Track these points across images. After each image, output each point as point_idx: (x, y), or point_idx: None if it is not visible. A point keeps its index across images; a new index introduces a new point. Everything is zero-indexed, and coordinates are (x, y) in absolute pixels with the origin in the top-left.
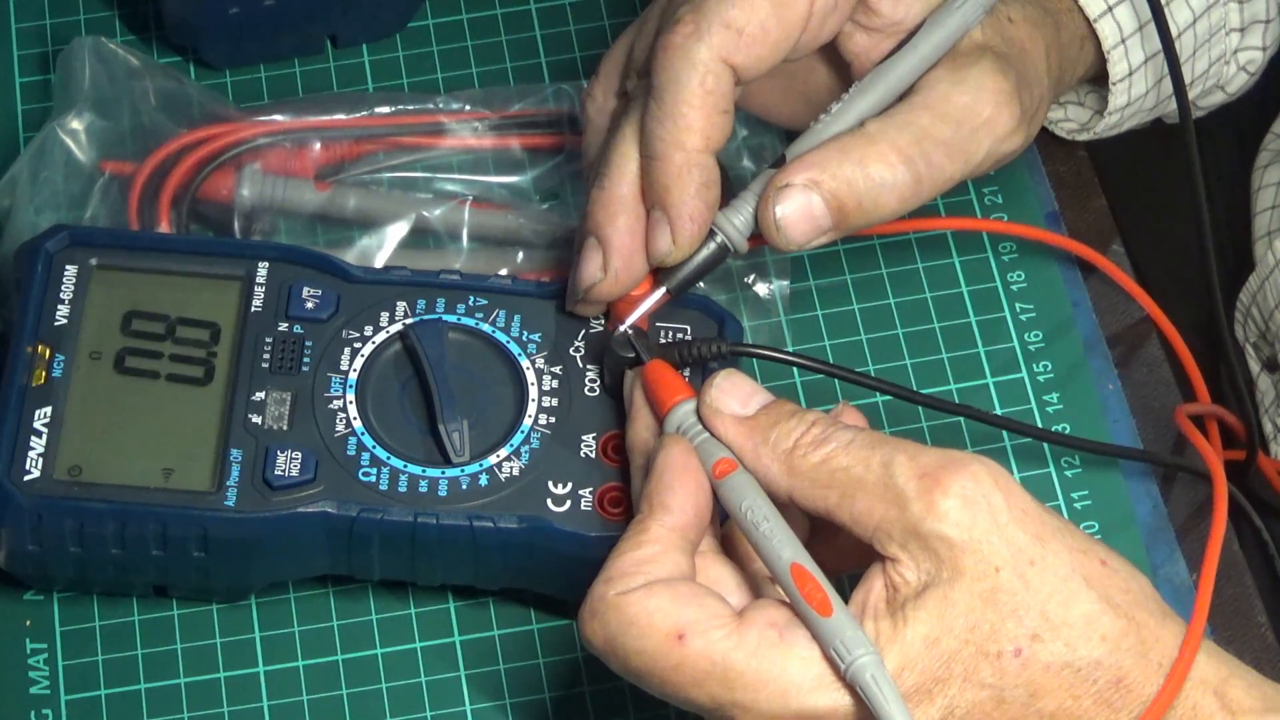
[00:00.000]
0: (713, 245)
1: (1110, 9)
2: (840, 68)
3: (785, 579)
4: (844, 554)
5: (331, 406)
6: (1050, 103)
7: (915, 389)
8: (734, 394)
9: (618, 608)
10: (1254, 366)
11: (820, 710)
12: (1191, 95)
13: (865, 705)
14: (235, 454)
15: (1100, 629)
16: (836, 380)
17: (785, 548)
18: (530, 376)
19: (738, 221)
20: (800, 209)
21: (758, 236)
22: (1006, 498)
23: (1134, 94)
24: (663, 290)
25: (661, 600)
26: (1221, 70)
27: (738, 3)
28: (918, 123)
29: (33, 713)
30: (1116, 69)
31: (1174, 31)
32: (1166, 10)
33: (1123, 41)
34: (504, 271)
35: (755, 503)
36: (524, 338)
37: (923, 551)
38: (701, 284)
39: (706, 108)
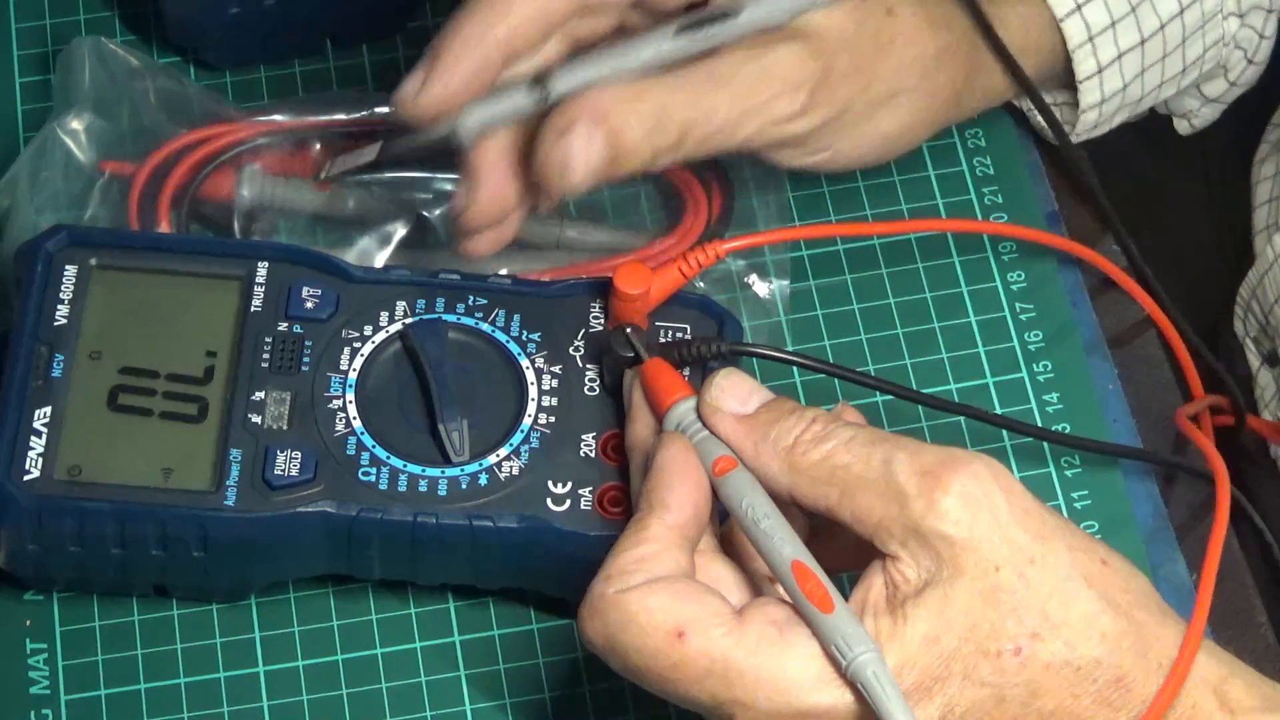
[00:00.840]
0: (444, 129)
1: (1079, 8)
2: None
3: (786, 576)
4: (844, 552)
5: (331, 406)
6: (947, 103)
7: (915, 389)
8: (734, 392)
9: (617, 605)
10: (1254, 361)
11: (821, 708)
12: (1185, 83)
13: (866, 703)
14: (235, 454)
15: (1100, 628)
16: (836, 380)
17: (786, 545)
18: (530, 376)
19: (471, 118)
20: (583, 148)
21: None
22: (1007, 496)
23: (1108, 90)
24: (378, 144)
25: (661, 598)
26: (1221, 54)
27: None
28: (694, 87)
29: (33, 713)
30: (1083, 67)
31: (1155, 24)
32: (1148, 3)
33: (1090, 40)
34: (504, 271)
35: (755, 500)
36: (524, 337)
37: (923, 549)
38: (701, 284)
39: (537, 10)
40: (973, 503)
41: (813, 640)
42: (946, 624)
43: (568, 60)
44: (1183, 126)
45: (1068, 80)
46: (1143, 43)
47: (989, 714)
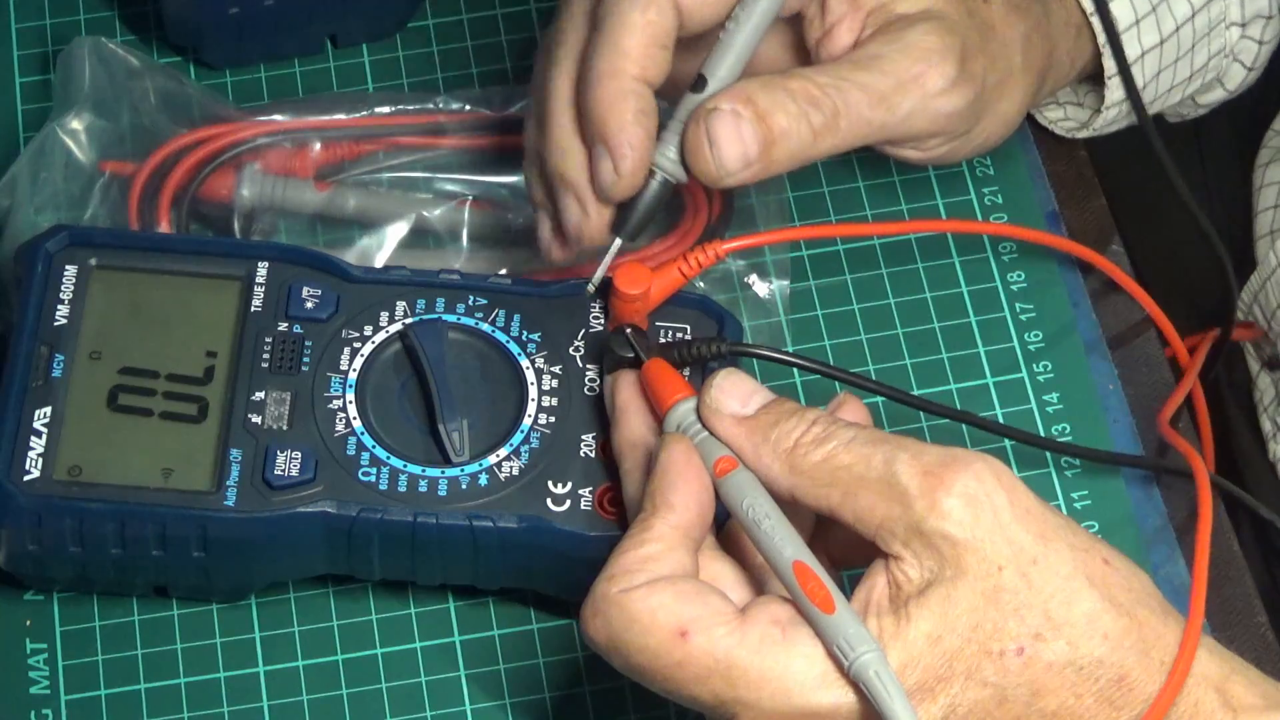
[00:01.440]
0: (654, 183)
1: (1107, 3)
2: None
3: (788, 576)
4: (850, 549)
5: (331, 406)
6: (1033, 87)
7: (915, 389)
8: (734, 393)
9: (620, 605)
10: (1254, 366)
11: (824, 707)
12: (1190, 90)
13: (869, 702)
14: (235, 454)
15: (1102, 627)
16: (836, 381)
17: (787, 545)
18: (530, 376)
19: (671, 154)
20: (730, 132)
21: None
22: (1009, 496)
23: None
24: (617, 240)
25: (664, 597)
26: (1221, 64)
27: None
28: (839, 69)
29: (33, 713)
30: (1111, 63)
31: (1172, 25)
32: (1165, 4)
33: (1119, 35)
34: (504, 271)
35: (756, 500)
36: (524, 337)
37: (926, 550)
38: (701, 284)
39: (648, 39)
40: (975, 503)
41: (815, 640)
42: (949, 624)
43: (713, 51)
44: (1173, 117)
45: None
46: (1161, 43)
47: (991, 714)
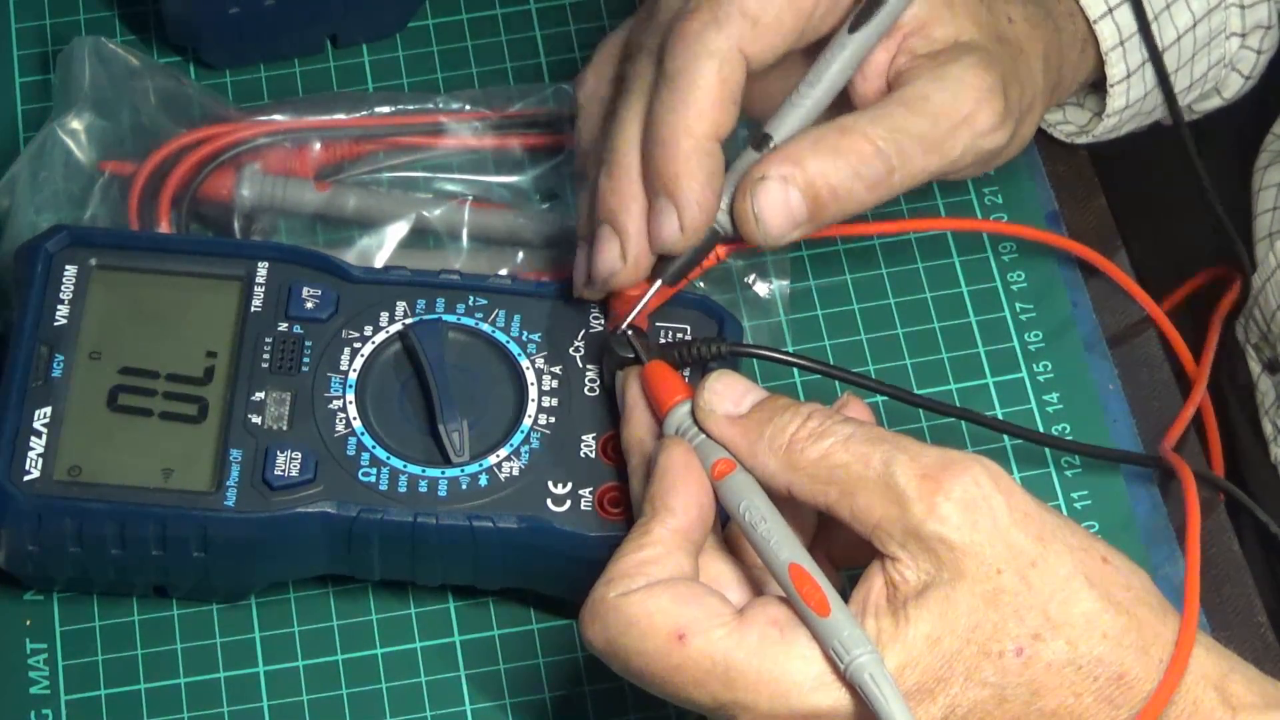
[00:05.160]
0: (709, 237)
1: (1110, 10)
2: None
3: (784, 579)
4: (852, 549)
5: (331, 406)
6: (1047, 105)
7: (915, 389)
8: (727, 394)
9: (618, 609)
10: (1254, 368)
11: (821, 709)
12: (1188, 99)
13: (866, 704)
14: (235, 454)
15: (1101, 627)
16: (836, 381)
17: (783, 548)
18: (530, 376)
19: (723, 205)
20: (777, 203)
21: (740, 240)
22: (1007, 500)
23: (1132, 96)
24: (660, 284)
25: (662, 600)
26: (1220, 74)
27: None
28: (891, 116)
29: (33, 713)
30: (1115, 70)
31: (1173, 35)
32: (1166, 14)
33: (1121, 44)
34: (504, 271)
35: (753, 502)
36: (524, 338)
37: (923, 553)
38: (701, 284)
39: (721, 96)
40: (973, 507)
41: (813, 641)
42: (948, 625)
43: (781, 112)
44: (1168, 123)
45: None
46: (1162, 53)
47: (991, 714)
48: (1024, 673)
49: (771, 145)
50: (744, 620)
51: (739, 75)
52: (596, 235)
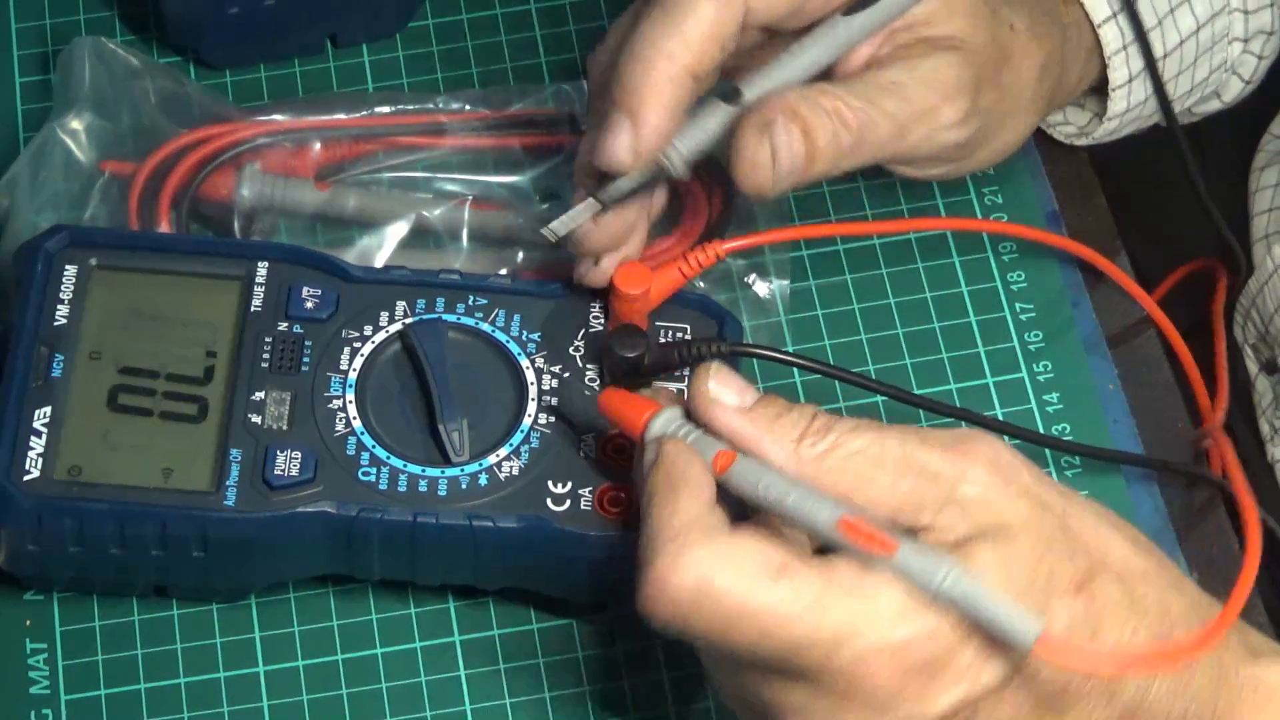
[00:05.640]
0: (655, 169)
1: (1114, 15)
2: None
3: (839, 538)
4: None
5: (331, 406)
6: (1042, 113)
7: (915, 389)
8: (730, 385)
9: (695, 558)
10: (1252, 368)
11: (922, 635)
12: (1189, 103)
13: (964, 622)
14: (235, 454)
15: (1140, 566)
16: (836, 381)
17: (823, 509)
18: (530, 376)
19: (682, 148)
20: (785, 145)
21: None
22: (1024, 463)
23: (1133, 100)
24: (590, 200)
25: (747, 541)
26: (1221, 77)
27: None
28: (865, 92)
29: (33, 713)
30: (1117, 75)
31: (1175, 40)
32: (1170, 18)
33: (1125, 48)
34: (504, 271)
35: (772, 480)
36: (524, 337)
37: (961, 514)
38: (701, 284)
39: (711, 34)
40: (1000, 469)
41: (892, 579)
42: (1008, 572)
43: (766, 69)
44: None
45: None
46: (1164, 57)
47: None
48: (1086, 611)
49: (741, 101)
50: (829, 560)
51: (735, 20)
52: (608, 121)
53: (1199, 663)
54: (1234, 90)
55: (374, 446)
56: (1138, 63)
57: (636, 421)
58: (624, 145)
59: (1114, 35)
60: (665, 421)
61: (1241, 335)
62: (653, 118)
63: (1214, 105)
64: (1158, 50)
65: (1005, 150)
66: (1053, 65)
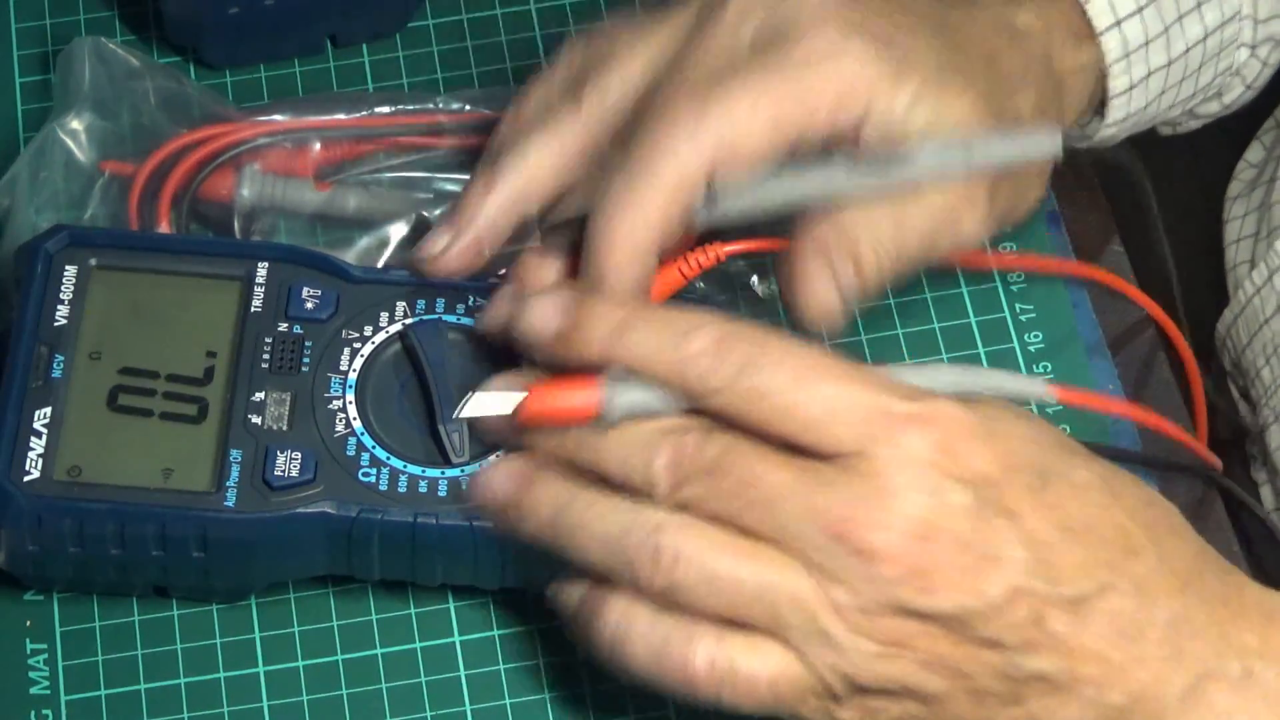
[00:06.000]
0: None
1: (1119, 23)
2: None
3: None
4: None
5: (331, 407)
6: (1043, 182)
7: None
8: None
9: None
10: (1234, 391)
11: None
12: (1192, 104)
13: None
14: (235, 454)
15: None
16: None
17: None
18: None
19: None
20: (845, 276)
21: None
22: None
23: (1133, 107)
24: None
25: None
26: (1225, 81)
27: (738, 116)
28: (900, 214)
29: (33, 713)
30: (1117, 83)
31: (1182, 47)
32: (1178, 25)
33: (1127, 56)
34: (504, 272)
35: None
36: None
37: None
38: (701, 284)
39: (672, 213)
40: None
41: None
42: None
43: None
44: (1164, 130)
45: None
46: (1169, 64)
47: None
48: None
49: (714, 207)
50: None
51: (698, 194)
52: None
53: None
54: (1235, 92)
55: (374, 447)
56: (1140, 70)
57: (584, 386)
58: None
59: (1117, 43)
60: (621, 376)
61: (1222, 361)
62: (621, 291)
63: (1214, 106)
64: (1162, 58)
65: (1026, 215)
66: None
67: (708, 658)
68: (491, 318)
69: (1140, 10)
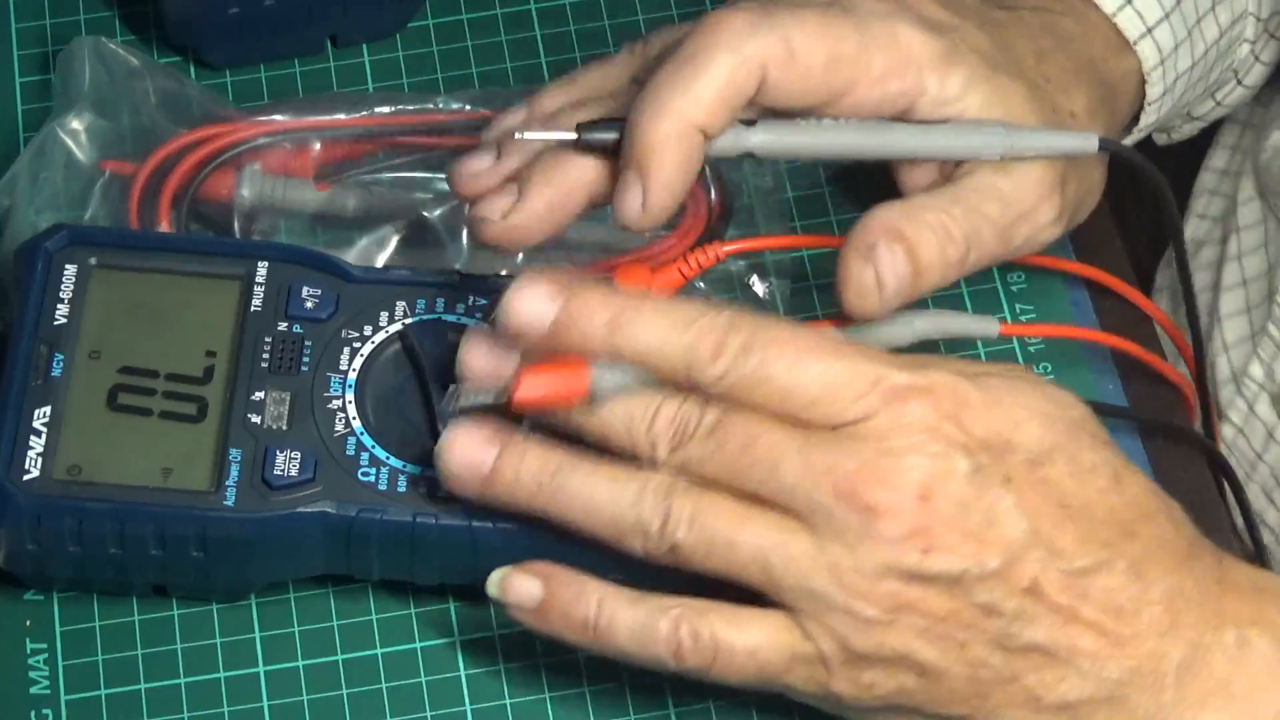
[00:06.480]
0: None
1: (1150, 30)
2: None
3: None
4: None
5: (330, 406)
6: (1101, 184)
7: None
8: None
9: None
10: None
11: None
12: (1192, 108)
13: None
14: (234, 453)
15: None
16: None
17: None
18: None
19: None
20: (890, 266)
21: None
22: None
23: (1162, 112)
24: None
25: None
26: (1225, 76)
27: (805, 30)
28: (967, 200)
29: (33, 713)
30: (1154, 90)
31: (1201, 49)
32: (1198, 29)
33: (1161, 63)
34: (504, 272)
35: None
36: None
37: None
38: (701, 284)
39: (725, 98)
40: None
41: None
42: None
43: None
44: (1161, 139)
45: None
46: (1191, 68)
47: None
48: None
49: (752, 130)
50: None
51: (750, 87)
52: (622, 178)
53: None
54: (1227, 89)
55: (373, 447)
56: (1170, 75)
57: (576, 368)
58: (635, 203)
59: (1151, 51)
60: (607, 367)
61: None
62: (662, 176)
63: (1209, 104)
64: (1187, 61)
65: (1085, 216)
66: (1112, 130)
67: (690, 632)
68: (487, 210)
69: (1167, 16)
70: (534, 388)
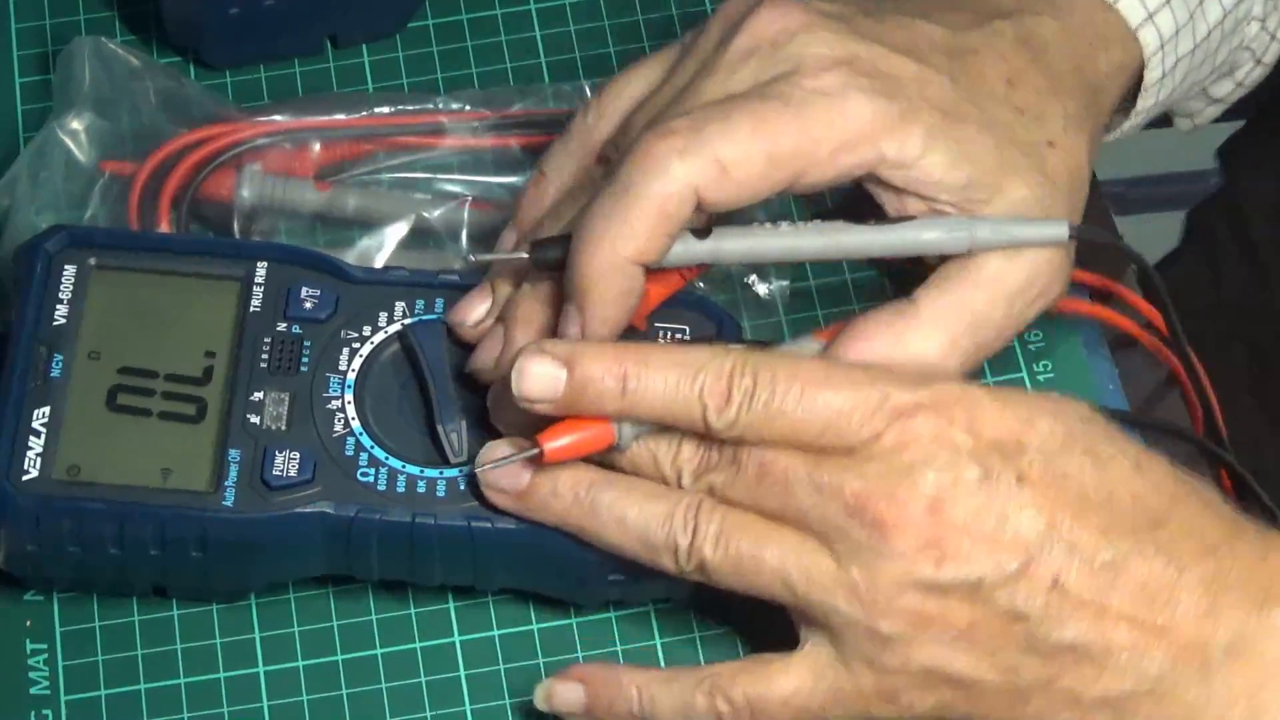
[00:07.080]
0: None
1: (1151, 16)
2: None
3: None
4: None
5: (330, 407)
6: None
7: None
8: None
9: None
10: None
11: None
12: (1206, 84)
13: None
14: (234, 454)
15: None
16: None
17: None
18: None
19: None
20: None
21: None
22: None
23: (1161, 97)
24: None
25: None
26: (1238, 56)
27: (734, 139)
28: (972, 305)
29: (33, 713)
30: (1153, 74)
31: (1204, 31)
32: (1200, 10)
33: (1161, 47)
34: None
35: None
36: None
37: None
38: (701, 284)
39: (658, 228)
40: None
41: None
42: None
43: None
44: (1184, 124)
45: None
46: (1193, 50)
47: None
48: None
49: (708, 239)
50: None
51: (684, 212)
52: (564, 309)
53: None
54: (1246, 68)
55: (372, 447)
56: (1170, 59)
57: (595, 428)
58: (574, 335)
59: (1152, 36)
60: (631, 431)
61: None
62: (597, 311)
63: (1227, 85)
64: (1188, 44)
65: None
66: (1096, 137)
67: (725, 700)
68: (481, 361)
69: (1168, 1)
70: (562, 448)
